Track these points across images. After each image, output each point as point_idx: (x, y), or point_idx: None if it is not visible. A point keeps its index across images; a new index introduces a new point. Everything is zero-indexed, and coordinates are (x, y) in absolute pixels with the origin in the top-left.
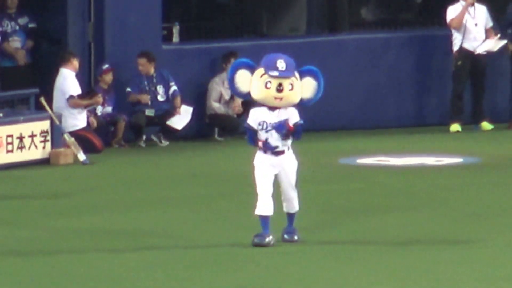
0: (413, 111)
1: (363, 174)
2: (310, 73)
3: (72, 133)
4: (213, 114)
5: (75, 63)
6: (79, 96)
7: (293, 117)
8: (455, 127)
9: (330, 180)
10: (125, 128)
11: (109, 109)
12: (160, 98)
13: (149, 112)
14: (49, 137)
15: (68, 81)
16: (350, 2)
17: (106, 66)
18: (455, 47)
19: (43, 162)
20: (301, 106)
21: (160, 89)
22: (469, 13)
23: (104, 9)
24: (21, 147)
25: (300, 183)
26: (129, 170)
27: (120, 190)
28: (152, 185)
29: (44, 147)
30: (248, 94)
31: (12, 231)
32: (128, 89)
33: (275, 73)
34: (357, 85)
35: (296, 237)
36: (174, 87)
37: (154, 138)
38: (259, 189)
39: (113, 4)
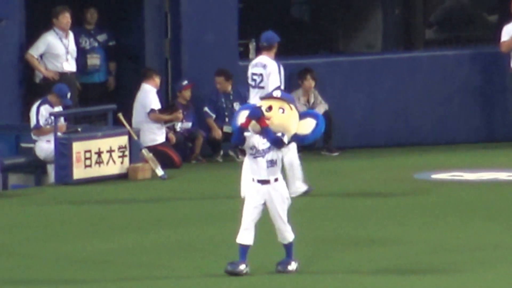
0: (483, 126)
1: (438, 189)
2: (312, 115)
3: (150, 148)
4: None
5: (157, 80)
6: (160, 111)
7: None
8: None
9: (405, 194)
10: (203, 144)
11: (188, 124)
12: None
13: (227, 129)
14: (127, 152)
15: (149, 95)
16: (425, 20)
17: (185, 82)
18: None
19: (121, 177)
20: (298, 141)
21: (237, 106)
22: None
23: (181, 26)
24: (99, 162)
25: (376, 197)
26: (207, 185)
27: (198, 205)
28: (229, 199)
29: (122, 162)
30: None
31: (88, 244)
32: (206, 109)
33: (267, 96)
34: (431, 101)
35: (289, 268)
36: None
37: (231, 153)
38: (243, 217)
39: (190, 21)
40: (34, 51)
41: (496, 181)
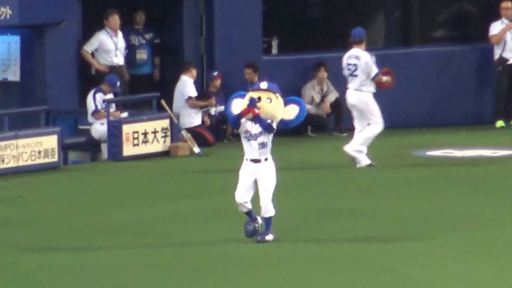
0: (472, 111)
1: (432, 164)
2: (295, 101)
3: (188, 130)
4: (306, 115)
5: (193, 71)
6: (196, 98)
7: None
8: (499, 123)
9: (404, 168)
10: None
11: (221, 108)
12: None
13: None
14: (168, 133)
15: (187, 85)
16: (422, 20)
17: (215, 73)
18: (496, 56)
19: (164, 154)
20: (284, 126)
21: None
22: (509, 32)
23: (214, 26)
24: (145, 142)
25: (379, 170)
26: (237, 161)
27: (229, 178)
28: None
29: (164, 142)
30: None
31: (135, 212)
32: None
33: (255, 88)
34: (426, 90)
35: (267, 238)
36: None
37: None
38: (236, 192)
39: (221, 21)
40: (88, 47)
41: (481, 157)
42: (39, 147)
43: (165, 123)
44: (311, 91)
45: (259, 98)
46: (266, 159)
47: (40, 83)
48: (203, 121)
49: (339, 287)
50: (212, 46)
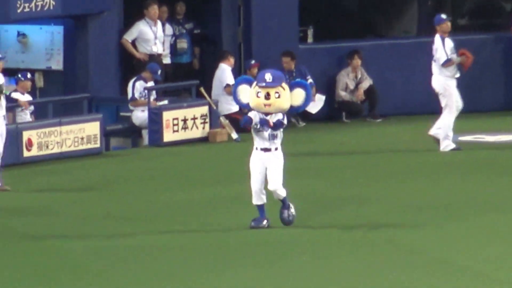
0: (503, 98)
1: (464, 149)
2: (300, 85)
3: (226, 116)
4: (340, 101)
5: (231, 60)
6: None
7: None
8: None
9: (436, 153)
10: None
11: None
12: None
13: None
14: (207, 120)
15: (225, 73)
16: (453, 9)
17: (253, 61)
18: None
19: (203, 140)
20: (292, 112)
21: None
22: None
23: (251, 16)
24: (184, 128)
25: (410, 155)
26: None
27: None
28: (293, 157)
29: (203, 128)
30: (248, 104)
31: (174, 195)
32: None
33: (262, 84)
34: (459, 77)
35: (286, 214)
36: (310, 80)
37: (293, 120)
38: (251, 182)
39: (258, 11)
40: (128, 36)
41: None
42: (82, 133)
43: (204, 109)
44: (346, 78)
45: (268, 95)
46: (276, 149)
47: (83, 71)
48: (240, 108)
49: (375, 269)
50: (249, 35)
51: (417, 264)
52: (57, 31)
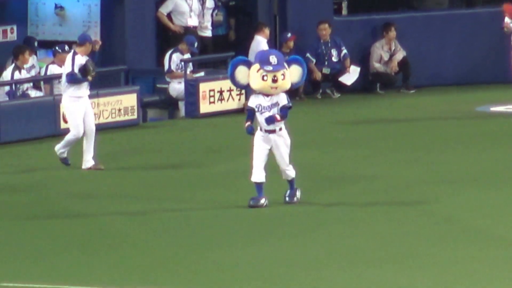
0: None
1: (496, 119)
2: (296, 61)
3: None
4: (375, 73)
5: (267, 32)
6: None
7: (282, 100)
8: None
9: (468, 122)
10: (305, 83)
11: None
12: (334, 59)
13: (325, 70)
14: (243, 91)
15: (261, 45)
16: None
17: (289, 34)
18: None
19: (238, 111)
20: (291, 87)
21: (333, 52)
22: None
23: None
24: (220, 99)
25: (443, 125)
26: (308, 117)
27: (301, 132)
28: (326, 128)
29: (239, 99)
30: (247, 85)
31: (208, 168)
32: (308, 55)
33: (269, 68)
34: (490, 48)
35: (295, 199)
36: (344, 51)
37: (328, 91)
38: (254, 160)
39: None
40: (164, 9)
41: None
42: (119, 105)
43: None
44: (380, 50)
45: (275, 78)
46: (280, 129)
47: (120, 44)
48: None
49: (408, 235)
50: (284, 7)
51: (453, 234)
52: (94, 3)
